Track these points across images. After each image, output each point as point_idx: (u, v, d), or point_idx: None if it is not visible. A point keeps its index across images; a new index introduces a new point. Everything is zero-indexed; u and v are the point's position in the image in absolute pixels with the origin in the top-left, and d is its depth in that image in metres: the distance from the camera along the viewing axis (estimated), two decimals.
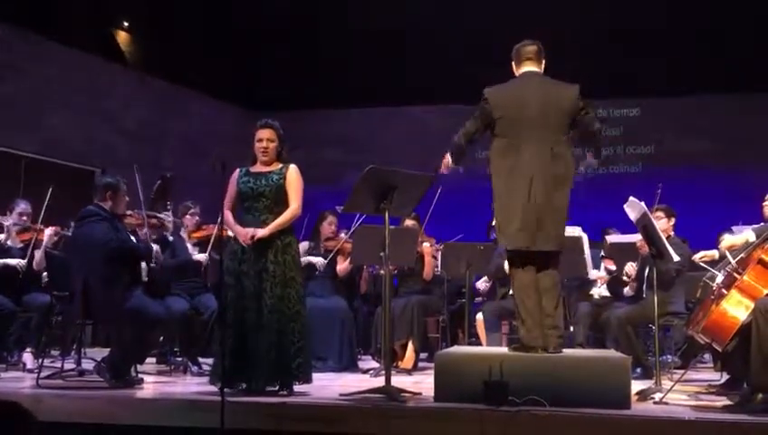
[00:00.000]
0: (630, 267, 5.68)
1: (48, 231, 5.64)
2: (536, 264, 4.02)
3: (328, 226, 6.07)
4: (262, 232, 4.17)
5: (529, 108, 4.00)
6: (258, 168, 4.36)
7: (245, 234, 4.18)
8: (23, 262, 5.58)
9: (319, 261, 5.98)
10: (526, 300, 4.01)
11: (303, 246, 5.81)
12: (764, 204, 4.83)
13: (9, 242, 5.62)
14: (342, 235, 6.12)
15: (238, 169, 4.36)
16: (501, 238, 4.11)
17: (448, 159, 4.29)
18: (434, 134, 10.49)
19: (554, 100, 4.03)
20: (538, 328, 3.96)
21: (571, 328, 5.97)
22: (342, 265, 6.07)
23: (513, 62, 4.23)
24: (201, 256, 5.69)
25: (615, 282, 6.18)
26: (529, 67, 4.15)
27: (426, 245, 6.01)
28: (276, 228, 4.19)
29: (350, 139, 10.67)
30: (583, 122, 4.06)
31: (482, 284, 6.72)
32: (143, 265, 4.82)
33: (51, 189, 5.69)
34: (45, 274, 5.81)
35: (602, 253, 6.34)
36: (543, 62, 4.19)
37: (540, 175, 3.92)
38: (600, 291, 6.28)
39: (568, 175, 4.01)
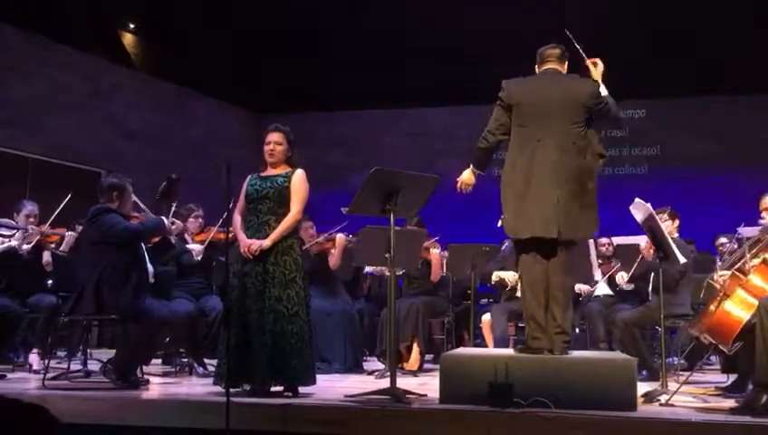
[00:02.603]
0: (621, 278, 5.70)
1: (67, 236, 5.66)
2: (548, 259, 3.98)
3: (304, 231, 6.06)
4: (265, 243, 4.18)
5: (548, 98, 4.01)
6: (267, 172, 4.40)
7: (246, 245, 4.19)
8: (27, 246, 5.57)
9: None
10: (533, 301, 3.98)
11: None
12: (762, 216, 4.81)
13: (23, 246, 5.59)
14: (336, 233, 6.08)
15: (250, 175, 4.41)
16: (515, 228, 4.00)
17: (466, 176, 4.23)
18: (437, 136, 10.54)
19: (574, 93, 4.04)
20: (542, 331, 3.95)
21: (577, 330, 5.98)
22: (332, 262, 6.02)
23: (536, 66, 4.24)
24: (195, 247, 5.67)
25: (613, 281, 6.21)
26: (550, 66, 4.16)
27: (435, 251, 6.00)
28: (278, 237, 4.21)
29: (352, 141, 10.69)
30: (601, 113, 4.07)
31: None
32: (150, 268, 4.83)
33: (69, 196, 5.72)
34: (50, 269, 5.82)
35: (600, 261, 6.34)
36: (566, 64, 4.20)
37: (557, 168, 3.90)
38: (603, 289, 6.28)
39: (589, 169, 3.98)
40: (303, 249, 5.86)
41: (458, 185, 4.26)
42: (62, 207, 5.71)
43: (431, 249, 6.01)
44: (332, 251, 5.98)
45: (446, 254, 6.06)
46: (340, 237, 5.92)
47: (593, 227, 4.09)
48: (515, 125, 4.04)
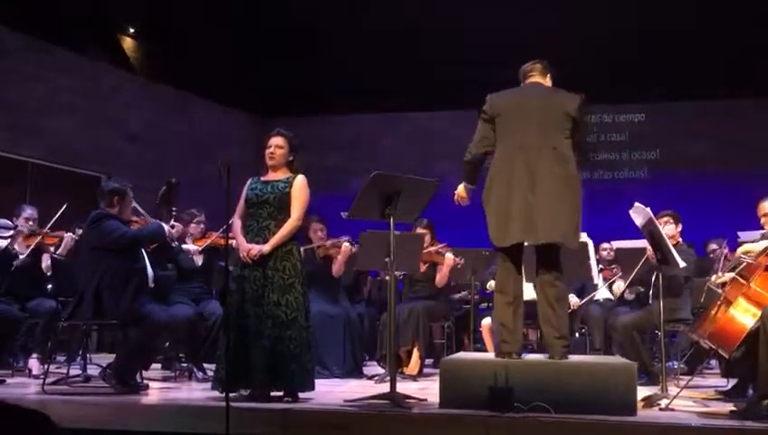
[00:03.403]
0: (617, 288, 5.68)
1: (66, 238, 5.65)
2: (537, 269, 3.99)
3: (314, 232, 6.06)
4: (264, 248, 4.17)
5: (529, 106, 4.04)
6: (268, 176, 4.39)
7: (245, 250, 4.19)
8: (22, 255, 5.58)
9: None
10: (505, 309, 3.96)
11: None
12: (762, 221, 4.80)
13: (16, 247, 5.62)
14: (344, 240, 6.07)
15: (251, 179, 4.40)
16: (497, 236, 3.98)
17: (460, 190, 4.25)
18: (436, 139, 10.55)
19: (556, 101, 4.06)
20: (510, 335, 3.95)
21: (575, 335, 5.98)
22: (335, 269, 6.01)
23: (521, 83, 4.25)
24: (191, 247, 5.65)
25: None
26: (533, 80, 4.20)
27: (449, 256, 5.97)
28: (278, 242, 4.20)
29: (352, 144, 10.69)
30: (579, 142, 4.07)
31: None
32: (150, 272, 4.82)
33: (65, 206, 5.75)
34: (50, 274, 5.82)
35: (601, 266, 6.35)
36: (549, 76, 4.22)
37: (540, 173, 3.90)
38: (603, 293, 6.28)
39: (572, 174, 3.98)
40: (308, 249, 5.88)
41: (455, 198, 4.29)
42: (59, 215, 5.72)
43: (446, 254, 5.99)
44: (338, 258, 5.96)
45: (461, 261, 6.02)
46: (345, 246, 5.89)
47: (574, 236, 4.02)
48: (499, 135, 4.06)
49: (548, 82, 4.21)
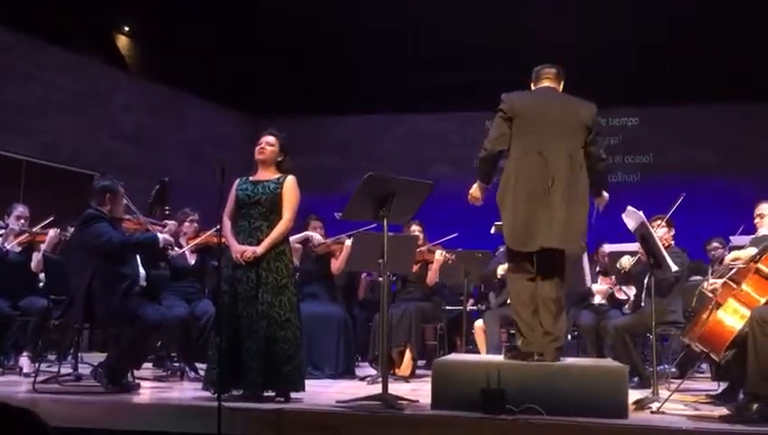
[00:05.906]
0: (627, 261, 5.63)
1: (51, 233, 5.65)
2: (538, 271, 4.01)
3: (313, 231, 6.06)
4: (258, 250, 4.16)
5: (547, 112, 4.04)
6: (258, 176, 4.38)
7: (238, 251, 4.18)
8: (14, 248, 5.59)
9: (315, 236, 5.94)
10: (522, 311, 4.01)
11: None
12: (756, 221, 4.82)
13: (7, 245, 5.63)
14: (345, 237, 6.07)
15: (239, 178, 4.38)
16: (514, 240, 4.03)
17: (474, 190, 4.24)
18: (431, 141, 10.57)
19: (573, 109, 4.08)
20: (535, 337, 3.96)
21: (569, 337, 5.98)
22: (335, 265, 6.03)
23: (531, 83, 4.26)
24: (179, 248, 5.65)
25: (613, 298, 6.21)
26: (547, 84, 4.20)
27: (438, 252, 5.97)
28: (271, 244, 4.20)
29: (347, 146, 10.70)
30: (593, 152, 4.08)
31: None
32: (142, 271, 4.80)
33: (52, 218, 5.82)
34: (42, 275, 5.82)
35: (598, 268, 6.35)
36: (562, 84, 4.23)
37: (557, 179, 3.91)
38: (598, 298, 6.29)
39: (584, 183, 4.00)
40: (309, 246, 5.88)
41: (468, 199, 4.28)
42: (47, 223, 5.73)
43: (436, 251, 5.98)
44: (338, 255, 5.94)
45: (452, 256, 5.99)
46: (347, 244, 5.86)
47: (577, 244, 4.07)
48: (515, 137, 4.05)
49: (560, 88, 4.22)
